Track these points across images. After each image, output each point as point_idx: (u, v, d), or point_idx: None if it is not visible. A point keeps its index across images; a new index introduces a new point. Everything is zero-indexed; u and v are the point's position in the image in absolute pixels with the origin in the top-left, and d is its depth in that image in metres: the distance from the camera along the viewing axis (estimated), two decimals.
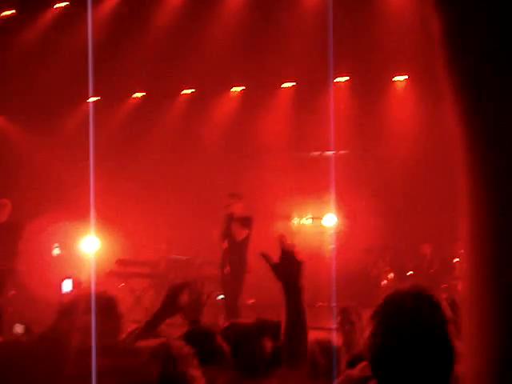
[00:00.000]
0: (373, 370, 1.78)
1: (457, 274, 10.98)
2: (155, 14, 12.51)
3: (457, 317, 1.81)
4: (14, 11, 12.97)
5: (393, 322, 1.77)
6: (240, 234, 8.59)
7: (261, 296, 10.00)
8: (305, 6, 12.22)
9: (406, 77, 12.86)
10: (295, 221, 13.40)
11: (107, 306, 2.78)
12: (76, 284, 9.44)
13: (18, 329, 4.22)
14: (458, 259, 11.09)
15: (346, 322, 4.07)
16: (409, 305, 1.78)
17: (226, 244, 8.72)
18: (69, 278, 9.52)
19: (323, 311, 8.70)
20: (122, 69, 12.84)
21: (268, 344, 2.81)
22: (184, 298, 3.04)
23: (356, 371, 1.89)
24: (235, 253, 8.60)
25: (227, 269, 8.68)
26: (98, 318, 2.70)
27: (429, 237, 11.79)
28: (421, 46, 11.39)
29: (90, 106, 12.60)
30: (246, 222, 8.71)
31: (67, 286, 9.38)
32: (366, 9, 11.90)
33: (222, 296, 8.88)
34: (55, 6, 12.83)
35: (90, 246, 11.43)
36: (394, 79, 12.97)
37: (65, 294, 9.01)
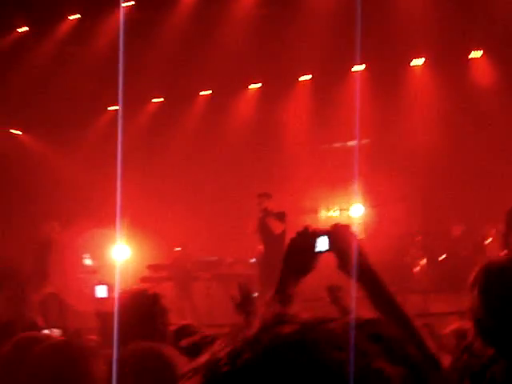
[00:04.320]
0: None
1: (489, 255, 10.81)
2: (168, 16, 12.51)
3: None
4: (26, 28, 13.07)
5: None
6: (277, 227, 8.61)
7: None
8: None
9: (424, 59, 12.72)
10: (322, 213, 13.34)
11: (150, 303, 2.90)
12: (111, 290, 9.39)
13: (56, 333, 4.23)
14: (490, 239, 10.93)
15: None
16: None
17: (260, 241, 8.68)
18: (102, 284, 9.45)
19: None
20: (138, 75, 12.86)
21: None
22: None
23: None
24: (273, 247, 8.55)
25: (264, 264, 8.62)
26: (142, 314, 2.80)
27: (459, 218, 11.66)
28: (437, 27, 11.29)
29: (119, 111, 12.64)
30: (281, 216, 8.72)
31: (101, 292, 9.32)
32: None
33: (256, 294, 8.77)
34: (69, 18, 12.89)
35: (120, 253, 11.45)
36: (411, 64, 12.83)
37: (100, 299, 8.97)
